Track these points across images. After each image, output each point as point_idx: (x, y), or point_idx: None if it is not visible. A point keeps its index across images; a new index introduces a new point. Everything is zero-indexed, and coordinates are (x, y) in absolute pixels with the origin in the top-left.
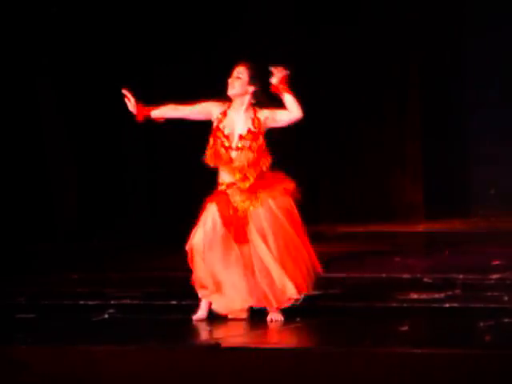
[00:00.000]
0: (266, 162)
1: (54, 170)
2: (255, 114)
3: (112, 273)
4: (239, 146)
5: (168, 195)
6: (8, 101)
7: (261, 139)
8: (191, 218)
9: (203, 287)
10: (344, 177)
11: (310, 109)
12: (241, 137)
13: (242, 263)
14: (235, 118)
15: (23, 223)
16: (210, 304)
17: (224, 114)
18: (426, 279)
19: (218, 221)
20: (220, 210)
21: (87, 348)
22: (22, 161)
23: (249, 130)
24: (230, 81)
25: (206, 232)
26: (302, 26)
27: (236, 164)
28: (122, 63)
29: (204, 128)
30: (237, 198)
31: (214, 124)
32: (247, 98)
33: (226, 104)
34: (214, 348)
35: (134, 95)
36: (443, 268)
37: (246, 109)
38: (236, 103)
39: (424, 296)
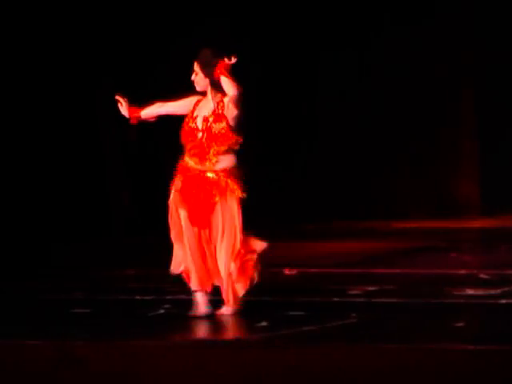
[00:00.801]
0: (229, 144)
1: (110, 166)
2: (222, 99)
3: (168, 268)
4: (203, 127)
5: None
6: (69, 103)
7: (224, 122)
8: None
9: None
10: (400, 174)
11: (369, 109)
12: (205, 118)
13: (206, 247)
14: (205, 104)
15: (81, 219)
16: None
17: (199, 101)
18: (481, 275)
19: (183, 210)
20: (183, 199)
21: (143, 343)
22: (82, 160)
23: (213, 112)
24: (192, 79)
25: (176, 222)
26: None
27: (199, 143)
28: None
29: None
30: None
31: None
32: (209, 88)
33: (201, 96)
34: None
35: (128, 99)
36: (499, 264)
37: (214, 96)
38: (207, 94)
39: (480, 292)
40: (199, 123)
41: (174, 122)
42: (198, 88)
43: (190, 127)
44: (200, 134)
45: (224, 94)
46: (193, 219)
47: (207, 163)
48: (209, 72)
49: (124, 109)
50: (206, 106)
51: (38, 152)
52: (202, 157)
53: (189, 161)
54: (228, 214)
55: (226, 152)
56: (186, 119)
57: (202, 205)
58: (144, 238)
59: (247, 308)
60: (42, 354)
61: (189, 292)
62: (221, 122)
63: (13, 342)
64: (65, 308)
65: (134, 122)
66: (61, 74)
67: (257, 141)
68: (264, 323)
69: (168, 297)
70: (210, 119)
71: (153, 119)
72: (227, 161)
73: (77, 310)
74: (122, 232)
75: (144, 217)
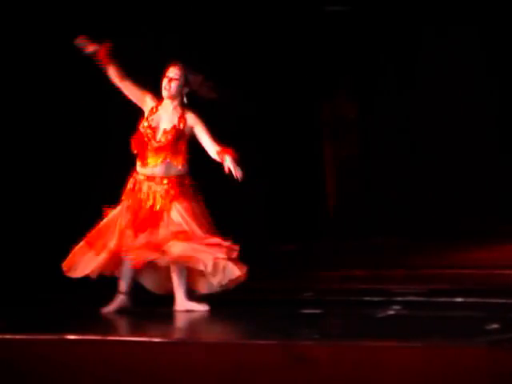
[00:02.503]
0: (180, 162)
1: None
2: (183, 114)
3: (396, 269)
4: (162, 139)
5: (447, 187)
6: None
7: (182, 138)
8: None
9: None
10: None
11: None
12: (165, 131)
13: None
14: (163, 115)
15: (300, 220)
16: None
17: (155, 108)
18: None
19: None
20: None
21: (372, 344)
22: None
23: (174, 126)
24: (164, 82)
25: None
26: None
27: (154, 155)
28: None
29: None
30: (156, 191)
31: (145, 115)
32: (179, 99)
33: (158, 101)
34: None
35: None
36: None
37: (175, 107)
38: (166, 102)
39: None
40: (159, 135)
41: None
42: (169, 93)
43: (148, 137)
44: (155, 144)
45: (184, 109)
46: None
47: (157, 169)
48: (189, 83)
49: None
50: (165, 117)
51: None
52: (154, 164)
53: (140, 168)
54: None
55: (178, 162)
56: (144, 128)
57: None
58: (371, 239)
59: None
60: (271, 353)
61: (418, 293)
62: (180, 137)
63: (241, 341)
64: (294, 308)
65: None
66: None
67: None
68: (495, 325)
69: (397, 298)
70: (171, 133)
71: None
72: (176, 169)
73: (306, 310)
74: (349, 233)
75: (368, 218)
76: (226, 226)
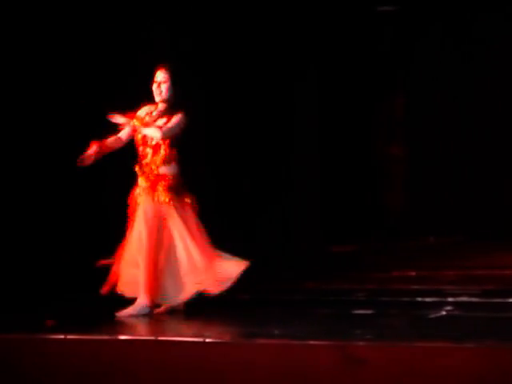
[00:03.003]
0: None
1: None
2: (170, 116)
3: (449, 270)
4: (153, 143)
5: (502, 188)
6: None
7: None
8: None
9: None
10: None
11: None
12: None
13: None
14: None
15: (353, 221)
16: None
17: (150, 114)
18: None
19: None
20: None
21: (424, 344)
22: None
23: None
24: (154, 87)
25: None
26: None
27: (149, 160)
28: None
29: None
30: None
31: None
32: (171, 101)
33: (153, 106)
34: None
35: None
36: None
37: (165, 110)
38: (161, 106)
39: None
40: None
41: None
42: (161, 97)
43: (143, 143)
44: (151, 151)
45: (174, 110)
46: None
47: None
48: (175, 84)
49: (95, 151)
50: (158, 121)
51: None
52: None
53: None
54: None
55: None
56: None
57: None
58: (423, 240)
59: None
60: (324, 354)
61: (471, 294)
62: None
63: (294, 341)
64: (347, 309)
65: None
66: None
67: None
68: None
69: (449, 299)
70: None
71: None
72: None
73: (359, 310)
74: (401, 234)
75: (421, 219)
76: (281, 227)
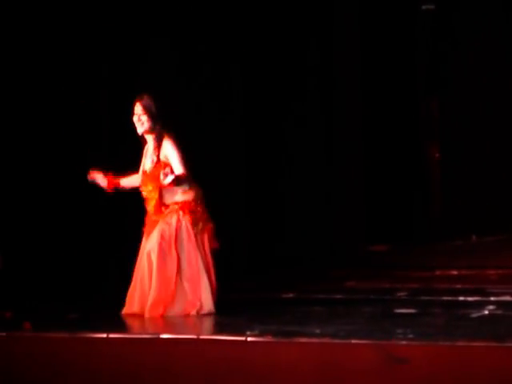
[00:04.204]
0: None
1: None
2: (158, 145)
3: (491, 269)
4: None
5: None
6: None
7: (162, 164)
8: None
9: None
10: None
11: None
12: (152, 161)
13: None
14: (148, 153)
15: (395, 220)
16: None
17: (145, 151)
18: None
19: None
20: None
21: (466, 344)
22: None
23: (152, 161)
24: (135, 120)
25: None
26: None
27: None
28: None
29: None
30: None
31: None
32: (157, 130)
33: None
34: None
35: (101, 169)
36: None
37: (153, 140)
38: (148, 137)
39: None
40: (147, 166)
41: None
42: (144, 130)
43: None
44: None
45: (162, 138)
46: None
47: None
48: (155, 112)
49: (101, 180)
50: (149, 155)
51: None
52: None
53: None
54: None
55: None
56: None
57: None
58: (466, 239)
59: None
60: (366, 353)
61: None
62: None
63: (336, 340)
64: (388, 308)
65: (111, 190)
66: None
67: None
68: None
69: (492, 298)
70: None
71: (127, 188)
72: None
73: (401, 309)
74: (443, 233)
75: (463, 218)
76: (323, 227)
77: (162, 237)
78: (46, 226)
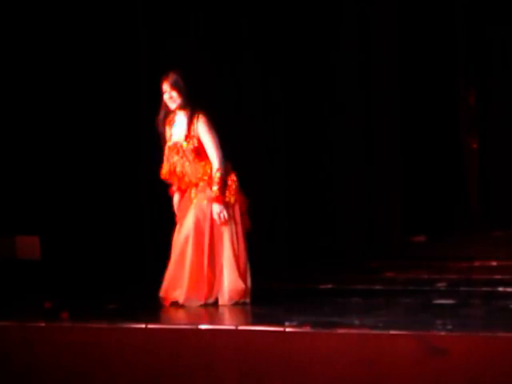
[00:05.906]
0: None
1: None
2: (191, 122)
3: None
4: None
5: None
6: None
7: (195, 142)
8: None
9: None
10: None
11: None
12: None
13: None
14: (178, 126)
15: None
16: None
17: (170, 122)
18: None
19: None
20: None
21: (506, 335)
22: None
23: (185, 136)
24: (165, 98)
25: None
26: None
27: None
28: None
29: None
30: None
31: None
32: (190, 106)
33: (172, 113)
34: None
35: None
36: None
37: (186, 115)
38: (179, 113)
39: None
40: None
41: None
42: (176, 106)
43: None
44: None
45: (195, 115)
46: None
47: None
48: (182, 91)
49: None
50: (180, 129)
51: None
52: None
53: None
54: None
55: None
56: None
57: None
58: (506, 230)
59: None
60: (405, 344)
61: None
62: (192, 142)
63: (375, 331)
64: (427, 299)
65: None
66: None
67: None
68: None
69: None
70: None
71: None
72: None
73: (439, 300)
74: (484, 224)
75: (503, 209)
76: (362, 218)
77: (196, 223)
78: (84, 217)
